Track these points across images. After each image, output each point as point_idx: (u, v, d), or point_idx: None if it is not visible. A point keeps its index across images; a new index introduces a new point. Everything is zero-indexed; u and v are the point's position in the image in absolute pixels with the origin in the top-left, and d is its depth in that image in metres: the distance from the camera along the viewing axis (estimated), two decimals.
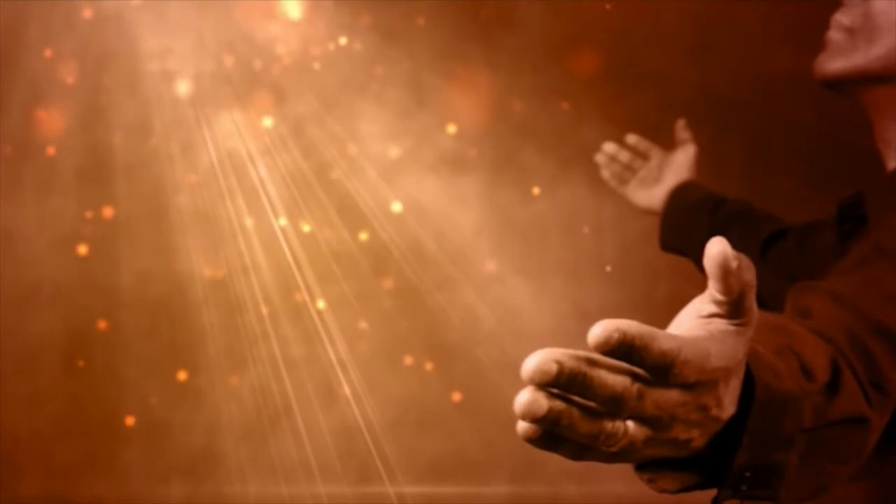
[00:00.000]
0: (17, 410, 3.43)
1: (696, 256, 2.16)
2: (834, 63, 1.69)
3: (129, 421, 3.49)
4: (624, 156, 2.37)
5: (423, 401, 3.45)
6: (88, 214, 3.47)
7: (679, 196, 2.27)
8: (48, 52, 3.41)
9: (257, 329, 3.45)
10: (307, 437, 3.43)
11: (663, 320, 0.96)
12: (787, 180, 3.23)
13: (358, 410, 3.42)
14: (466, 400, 3.45)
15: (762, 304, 1.99)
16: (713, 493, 1.01)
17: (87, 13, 3.40)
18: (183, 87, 3.46)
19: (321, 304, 3.44)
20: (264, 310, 3.45)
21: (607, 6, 3.39)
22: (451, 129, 3.47)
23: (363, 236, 3.49)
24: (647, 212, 2.36)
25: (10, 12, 3.38)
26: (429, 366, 3.47)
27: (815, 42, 1.75)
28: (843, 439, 1.10)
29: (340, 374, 3.43)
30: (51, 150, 3.45)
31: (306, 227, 3.48)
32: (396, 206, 3.46)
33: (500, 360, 3.36)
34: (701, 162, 2.39)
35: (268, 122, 3.48)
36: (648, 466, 0.98)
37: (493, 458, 3.41)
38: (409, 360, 3.47)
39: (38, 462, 3.46)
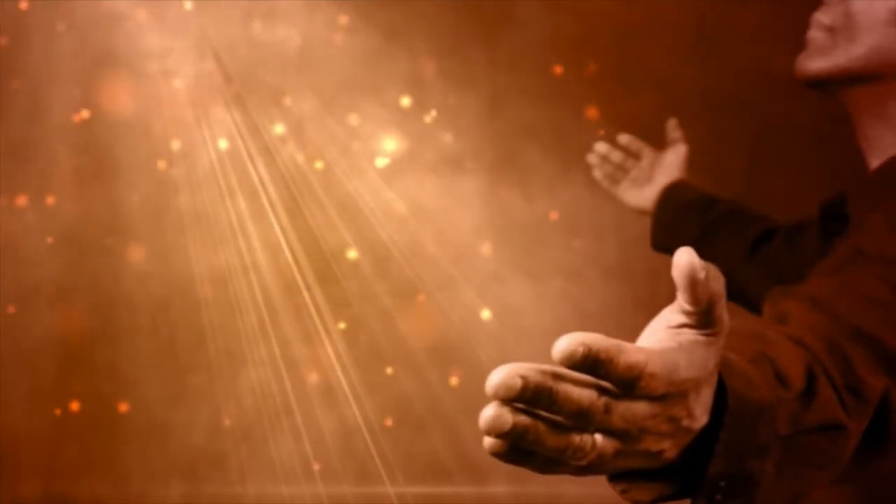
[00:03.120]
0: (17, 410, 3.43)
1: None
2: (815, 62, 1.69)
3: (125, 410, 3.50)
4: (616, 156, 2.37)
5: (423, 401, 3.45)
6: (88, 214, 3.47)
7: (670, 196, 2.27)
8: (47, 52, 3.42)
9: (257, 329, 3.45)
10: (307, 437, 3.43)
11: None
12: (787, 180, 3.23)
13: (358, 410, 3.42)
14: (466, 400, 3.45)
15: (750, 304, 1.99)
16: (689, 502, 1.01)
17: (87, 13, 3.40)
18: (183, 87, 3.46)
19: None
20: (264, 310, 3.45)
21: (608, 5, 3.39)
22: (451, 129, 3.47)
23: (363, 236, 3.48)
24: (639, 212, 2.36)
25: (11, 12, 3.39)
26: (429, 366, 3.47)
27: None
28: (819, 446, 1.09)
29: (340, 374, 3.43)
30: (50, 151, 3.45)
31: (307, 227, 3.48)
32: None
33: (500, 360, 3.35)
34: (701, 162, 2.39)
35: (267, 122, 3.48)
36: (622, 477, 0.98)
37: (493, 459, 3.40)
38: (408, 360, 3.47)
39: (38, 462, 3.47)
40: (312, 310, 3.45)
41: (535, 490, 3.41)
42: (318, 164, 3.48)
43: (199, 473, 3.45)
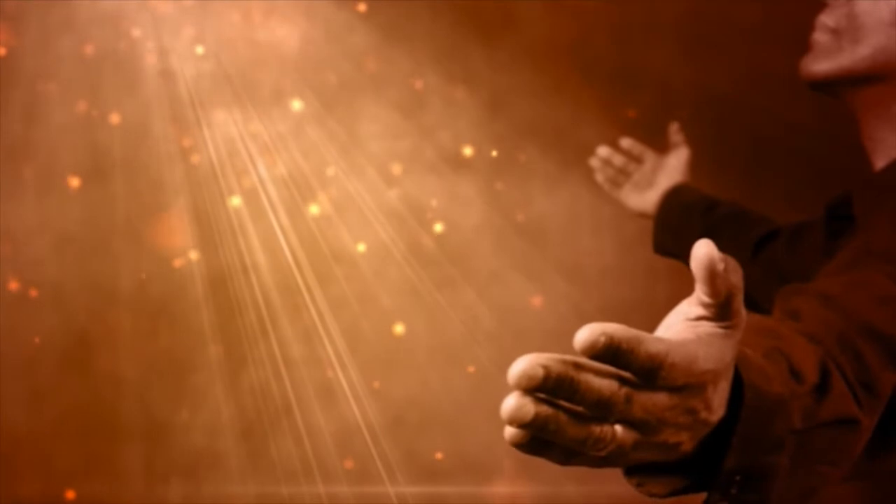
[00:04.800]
0: (17, 410, 3.43)
1: (689, 259, 2.16)
2: (820, 64, 1.70)
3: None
4: (618, 159, 2.38)
5: (423, 401, 3.45)
6: (89, 214, 3.47)
7: (672, 199, 2.28)
8: (47, 52, 3.41)
9: (257, 329, 3.45)
10: (307, 437, 3.43)
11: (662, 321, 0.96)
12: (787, 180, 3.23)
13: (358, 410, 3.42)
14: (466, 400, 3.45)
15: (754, 306, 2.00)
16: (703, 495, 1.01)
17: (87, 13, 3.40)
18: (183, 87, 3.46)
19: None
20: (264, 310, 3.45)
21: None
22: (451, 129, 3.47)
23: (363, 236, 3.48)
24: (641, 215, 2.36)
25: (10, 11, 3.38)
26: (428, 366, 3.47)
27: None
28: (833, 441, 1.10)
29: (340, 374, 3.43)
30: (51, 150, 3.45)
31: (307, 227, 3.48)
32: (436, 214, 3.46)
33: (500, 360, 3.36)
34: (700, 162, 2.39)
35: (267, 122, 3.48)
36: (637, 470, 0.98)
37: (493, 458, 3.41)
38: (409, 360, 3.47)
39: (37, 462, 3.46)
40: (312, 310, 3.45)
41: (535, 490, 3.41)
42: (320, 163, 3.48)
43: (199, 473, 3.45)
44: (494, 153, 3.43)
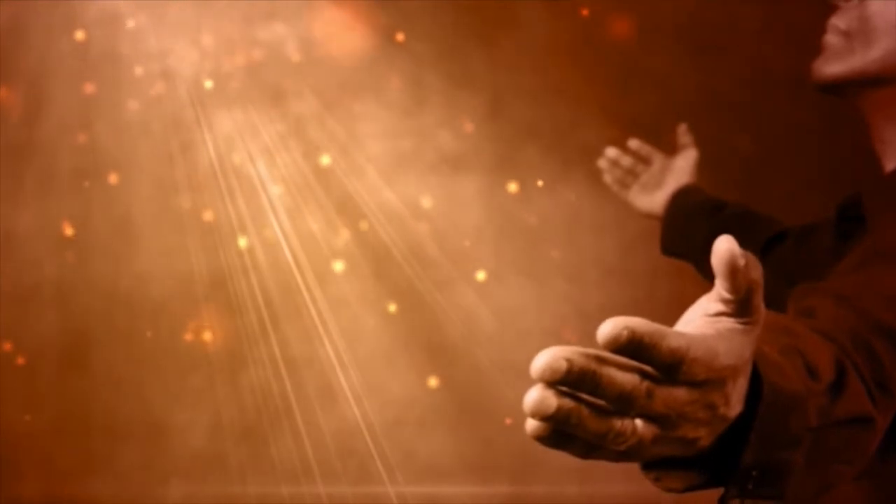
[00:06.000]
0: (17, 410, 3.43)
1: (697, 259, 2.17)
2: (832, 67, 1.69)
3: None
4: (626, 161, 2.38)
5: (423, 401, 3.45)
6: (88, 214, 3.47)
7: (679, 200, 2.28)
8: (48, 53, 3.41)
9: (257, 329, 3.45)
10: (307, 437, 3.43)
11: (664, 320, 0.96)
12: (788, 181, 3.23)
13: (358, 410, 3.42)
14: (466, 400, 3.45)
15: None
16: (717, 492, 1.01)
17: (87, 13, 3.40)
18: (183, 87, 3.46)
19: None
20: (264, 310, 3.45)
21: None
22: (452, 128, 3.47)
23: (363, 236, 3.48)
24: (649, 216, 2.36)
25: (11, 12, 3.38)
26: (429, 366, 3.47)
27: (816, 43, 1.75)
28: (848, 439, 1.10)
29: (340, 374, 3.43)
30: (51, 151, 3.44)
31: (307, 228, 3.48)
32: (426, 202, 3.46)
33: (500, 360, 3.36)
34: (701, 163, 2.39)
35: (267, 122, 3.48)
36: (654, 465, 0.98)
37: (493, 458, 3.41)
38: (409, 360, 3.47)
39: (37, 462, 3.46)
40: (312, 310, 3.45)
41: (535, 490, 3.41)
42: (320, 162, 3.49)
43: (199, 473, 3.45)
44: (540, 183, 3.44)
